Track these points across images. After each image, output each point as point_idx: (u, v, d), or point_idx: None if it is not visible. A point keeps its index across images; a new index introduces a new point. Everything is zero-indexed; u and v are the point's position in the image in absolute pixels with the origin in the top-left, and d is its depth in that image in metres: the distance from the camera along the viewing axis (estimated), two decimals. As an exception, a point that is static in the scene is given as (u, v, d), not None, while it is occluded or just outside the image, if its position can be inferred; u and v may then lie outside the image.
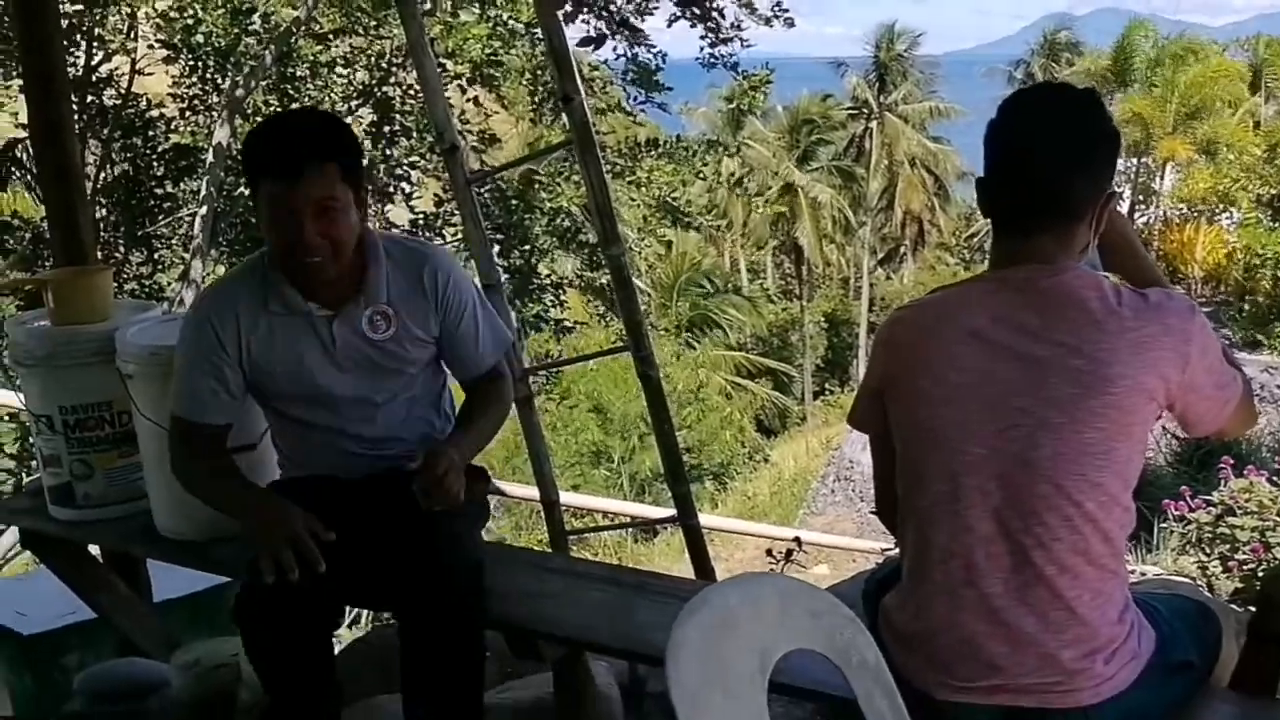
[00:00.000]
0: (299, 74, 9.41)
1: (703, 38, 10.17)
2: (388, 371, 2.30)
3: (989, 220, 1.76)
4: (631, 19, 8.85)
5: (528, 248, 11.22)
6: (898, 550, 1.85)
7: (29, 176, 9.72)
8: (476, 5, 9.17)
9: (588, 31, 9.34)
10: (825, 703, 1.96)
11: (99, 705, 2.87)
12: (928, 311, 1.77)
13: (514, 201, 11.16)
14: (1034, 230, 1.66)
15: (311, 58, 9.33)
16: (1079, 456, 1.59)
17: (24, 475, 7.63)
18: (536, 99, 11.83)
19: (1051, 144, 1.66)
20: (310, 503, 2.13)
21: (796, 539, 5.84)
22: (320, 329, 2.23)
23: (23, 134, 9.54)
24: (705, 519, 5.02)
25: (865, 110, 36.59)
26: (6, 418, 7.74)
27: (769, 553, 5.96)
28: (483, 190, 10.10)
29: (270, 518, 2.08)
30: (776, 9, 10.00)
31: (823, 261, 35.66)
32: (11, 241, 9.37)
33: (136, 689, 2.88)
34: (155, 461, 2.60)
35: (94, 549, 3.15)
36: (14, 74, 9.16)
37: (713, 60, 10.43)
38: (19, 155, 9.56)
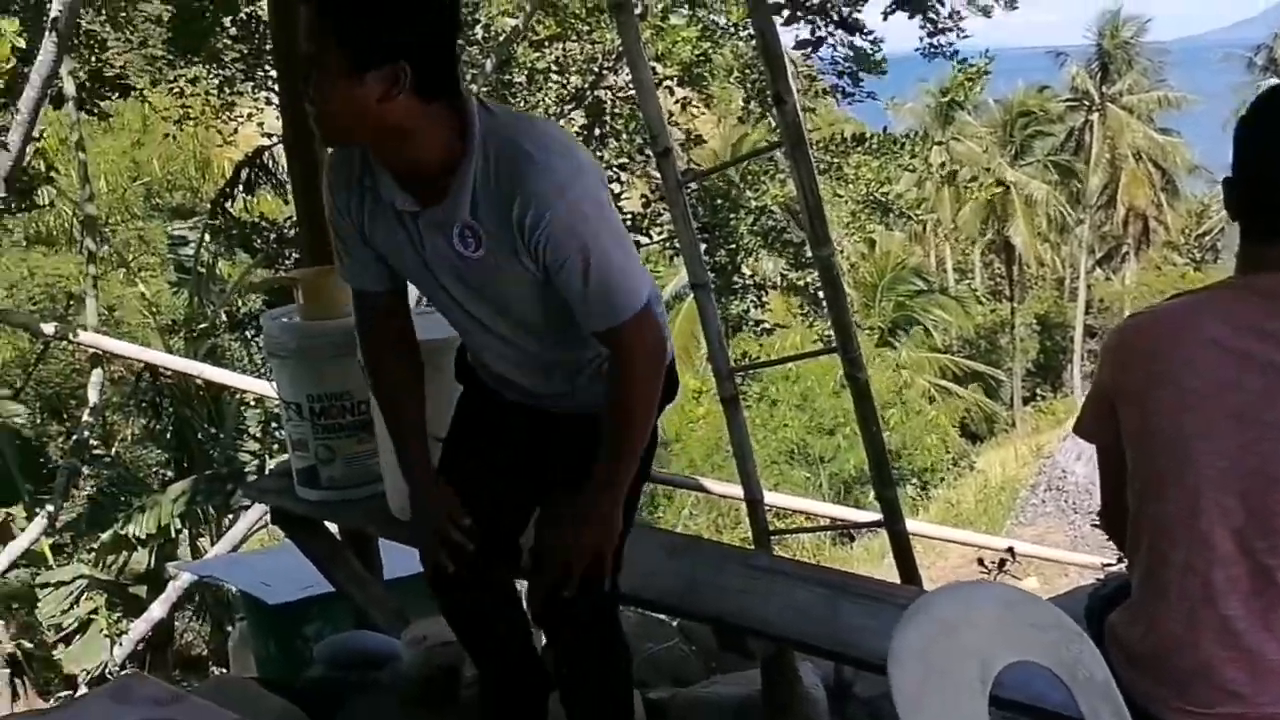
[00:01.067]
0: (516, 79, 9.80)
1: (921, 27, 9.94)
2: (491, 295, 1.89)
3: (1235, 221, 1.68)
4: (847, 18, 8.74)
5: (733, 246, 11.28)
6: (1124, 566, 1.79)
7: (274, 182, 10.52)
8: (686, 7, 9.30)
9: (796, 30, 9.29)
10: (1046, 718, 1.91)
11: (336, 672, 3.09)
12: (1165, 318, 1.70)
13: (719, 201, 11.24)
14: None
15: (529, 64, 9.70)
16: None
17: (266, 457, 8.27)
18: (744, 97, 11.88)
19: None
20: (472, 445, 2.15)
21: (1010, 549, 5.66)
22: (408, 225, 1.84)
23: (267, 142, 10.35)
24: (911, 524, 4.93)
25: (1086, 102, 34.74)
26: (252, 402, 8.41)
27: (980, 562, 5.79)
28: (691, 191, 10.23)
29: (420, 518, 2.07)
30: None
31: (1036, 261, 34.12)
32: (259, 241, 10.15)
33: (370, 660, 3.10)
34: (387, 448, 2.79)
35: (333, 527, 3.39)
36: (262, 87, 9.95)
37: (932, 50, 10.16)
38: (264, 162, 10.35)
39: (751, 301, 12.51)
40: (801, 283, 13.53)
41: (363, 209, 1.88)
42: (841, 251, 21.62)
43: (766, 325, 13.32)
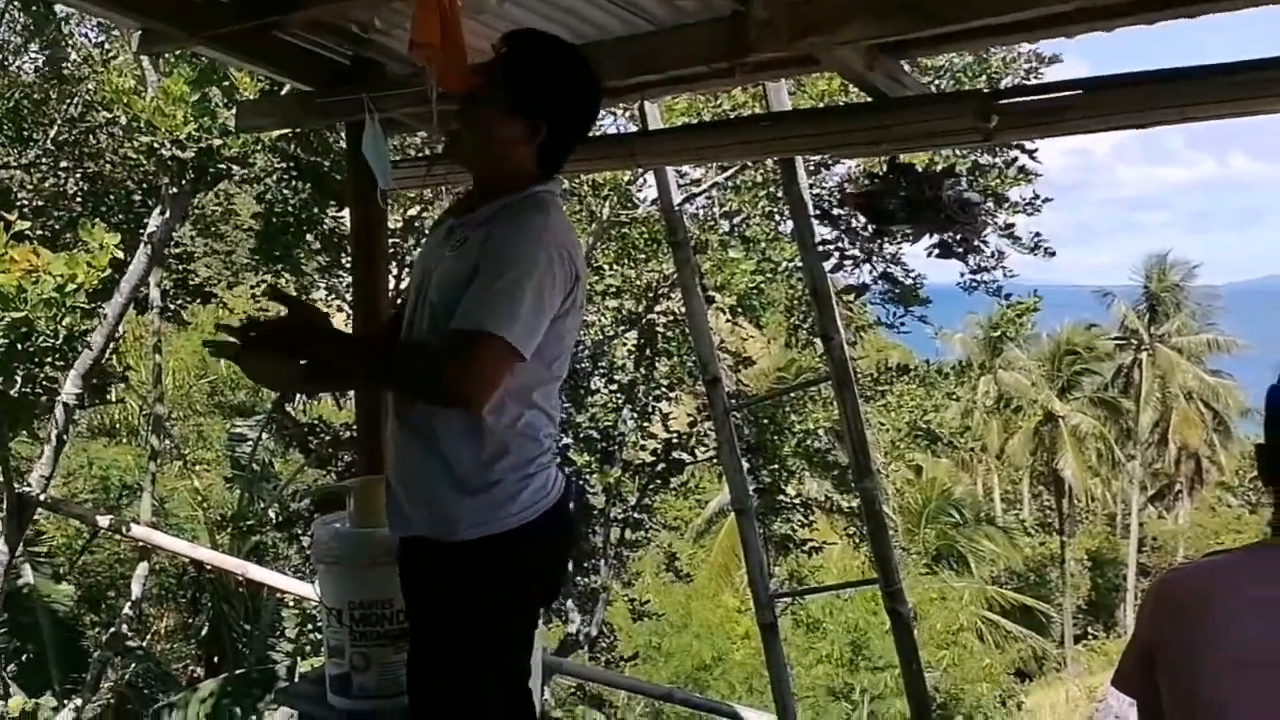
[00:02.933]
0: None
1: (964, 263, 10.28)
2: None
3: (1268, 487, 1.73)
4: (891, 265, 9.16)
5: (775, 467, 11.36)
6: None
7: (334, 386, 10.86)
8: (740, 243, 9.78)
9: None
10: None
11: None
12: (1208, 573, 1.72)
13: (766, 421, 11.41)
14: None
15: (589, 287, 10.16)
16: None
17: (299, 659, 8.20)
18: (791, 324, 12.23)
19: None
20: None
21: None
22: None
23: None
24: (954, 770, 4.75)
25: (1134, 341, 35.06)
26: (291, 603, 8.42)
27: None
28: (737, 413, 10.41)
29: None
30: (1038, 238, 10.03)
31: (1086, 495, 33.61)
32: (314, 442, 10.41)
33: None
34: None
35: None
36: (336, 294, 10.43)
37: (974, 285, 10.48)
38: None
39: (799, 522, 12.46)
40: (846, 505, 13.48)
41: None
42: (888, 477, 21.51)
43: (815, 544, 13.20)
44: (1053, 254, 10.10)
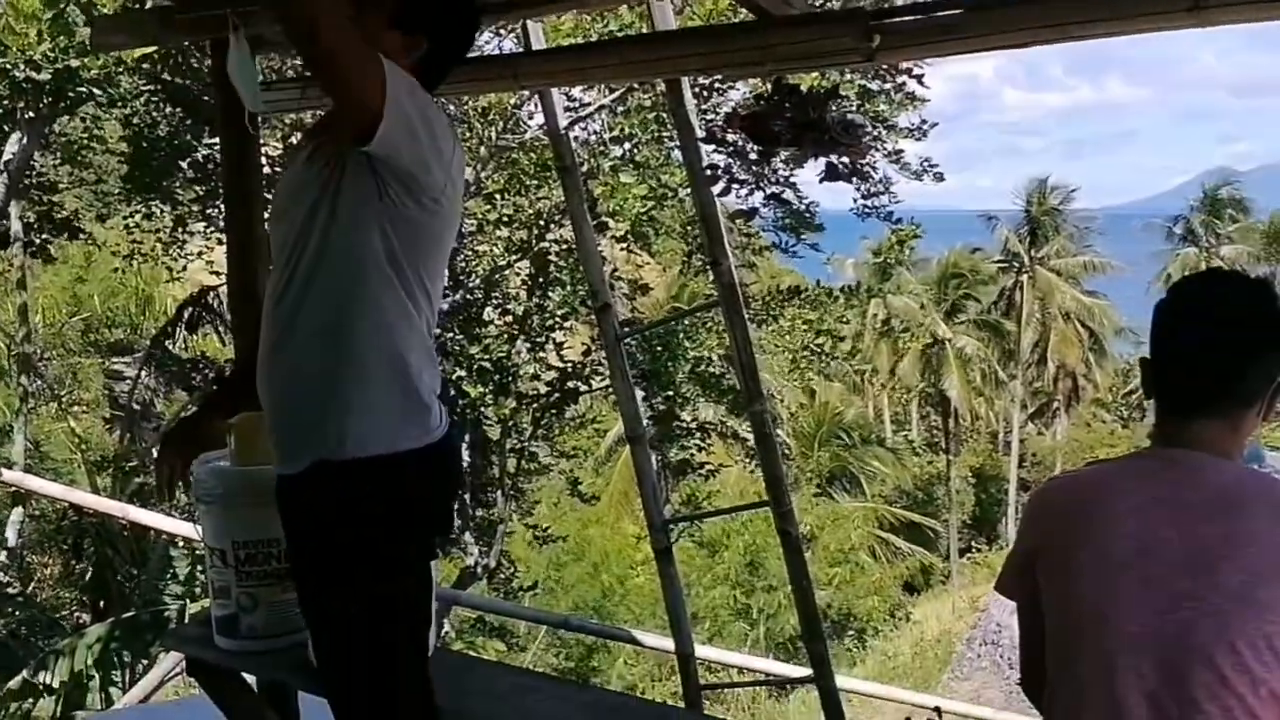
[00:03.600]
0: (467, 230, 10.05)
1: (856, 189, 10.41)
2: (292, 204, 2.09)
3: (1149, 399, 1.77)
4: (783, 188, 9.17)
5: (670, 394, 11.43)
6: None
7: (218, 322, 10.54)
8: (632, 168, 9.68)
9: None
10: None
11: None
12: (1086, 483, 1.78)
13: (659, 349, 11.45)
14: (1202, 416, 1.67)
15: (480, 215, 9.98)
16: (1246, 647, 1.55)
17: (188, 601, 8.03)
18: (686, 251, 12.25)
19: (1223, 334, 1.67)
20: None
21: (936, 709, 5.63)
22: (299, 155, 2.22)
23: (216, 281, 10.41)
24: (842, 680, 4.91)
25: (1016, 264, 36.20)
26: (180, 544, 8.22)
27: (908, 720, 5.75)
28: (630, 342, 10.43)
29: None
30: (926, 164, 10.17)
31: (971, 414, 34.86)
32: (198, 379, 10.10)
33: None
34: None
35: (250, 679, 3.29)
36: (215, 226, 10.07)
37: (866, 211, 10.61)
38: (210, 301, 10.38)
39: (695, 446, 12.60)
40: (741, 430, 13.70)
41: None
42: (781, 400, 21.90)
43: (711, 467, 13.39)
44: (941, 178, 10.26)
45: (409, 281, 2.01)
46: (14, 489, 7.80)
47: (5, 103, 7.21)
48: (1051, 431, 36.56)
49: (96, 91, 6.62)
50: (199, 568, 8.64)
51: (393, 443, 2.02)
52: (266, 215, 2.19)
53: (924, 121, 9.77)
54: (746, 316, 4.14)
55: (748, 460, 17.25)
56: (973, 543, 32.81)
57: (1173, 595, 1.59)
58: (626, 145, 10.03)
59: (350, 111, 1.88)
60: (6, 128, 7.44)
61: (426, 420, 2.08)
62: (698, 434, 12.41)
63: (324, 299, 1.98)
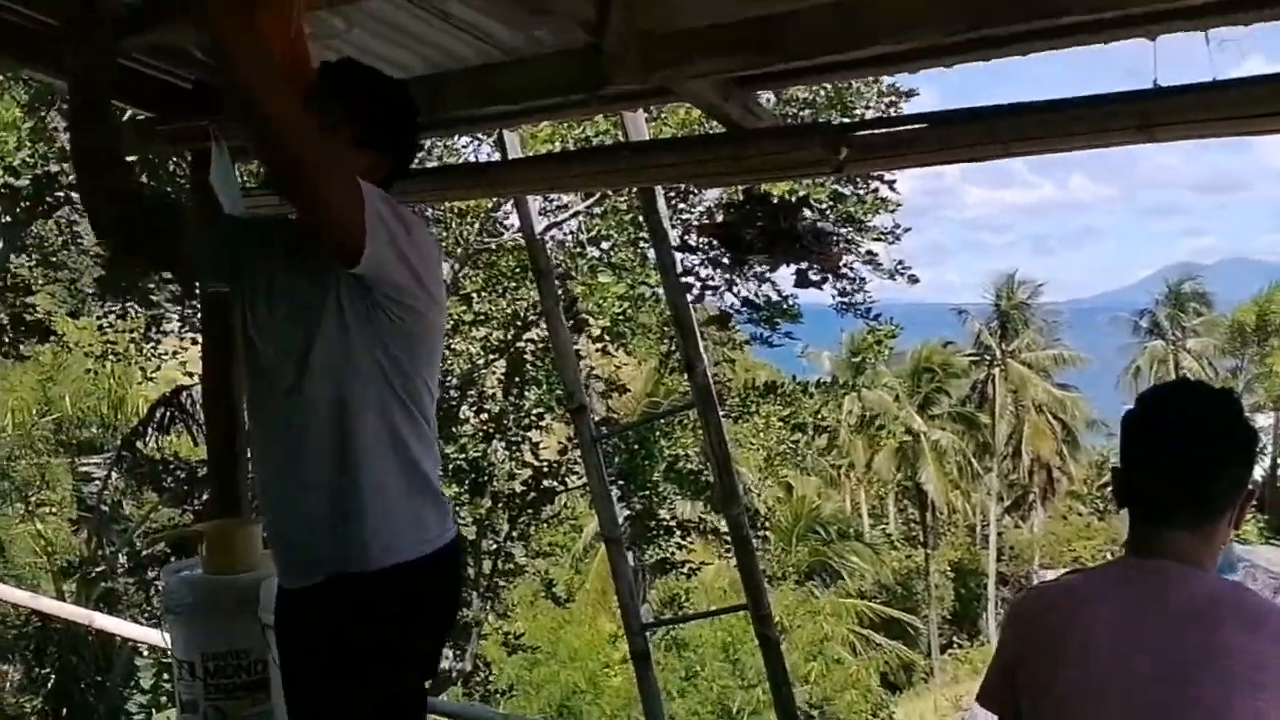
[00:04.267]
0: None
1: (833, 287, 10.60)
2: (281, 302, 2.09)
3: (1122, 508, 1.79)
4: (759, 284, 9.36)
5: (647, 492, 11.39)
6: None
7: (191, 422, 10.45)
8: (609, 269, 9.81)
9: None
10: None
11: None
12: (1062, 594, 1.78)
13: (636, 447, 11.44)
14: (1174, 526, 1.69)
15: (455, 316, 10.03)
16: None
17: (154, 711, 7.83)
18: (662, 350, 12.34)
19: (1193, 445, 1.70)
20: None
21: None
22: (278, 261, 2.19)
23: (189, 381, 10.35)
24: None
25: (988, 357, 36.60)
26: (145, 651, 8.02)
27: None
28: (606, 441, 10.42)
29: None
30: (900, 267, 10.38)
31: (948, 507, 34.82)
32: (168, 480, 9.97)
33: None
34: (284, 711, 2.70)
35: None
36: (191, 325, 10.06)
37: (844, 307, 10.78)
38: (182, 402, 10.30)
39: (675, 544, 12.52)
40: (721, 527, 13.61)
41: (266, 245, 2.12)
42: (758, 495, 21.83)
43: (693, 565, 13.27)
44: (915, 280, 10.46)
45: (412, 386, 2.03)
46: (-24, 596, 7.62)
47: (-17, 208, 7.27)
48: (1028, 524, 36.51)
49: (75, 195, 6.67)
50: (165, 676, 8.44)
51: (413, 549, 2.03)
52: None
53: (896, 225, 10.03)
54: (722, 414, 4.16)
55: (727, 555, 17.10)
56: (954, 639, 32.47)
57: (1149, 708, 1.59)
58: (604, 245, 10.17)
59: (334, 235, 1.88)
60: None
61: (443, 520, 2.11)
62: (676, 532, 12.33)
63: (331, 415, 1.98)
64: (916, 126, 2.72)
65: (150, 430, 10.24)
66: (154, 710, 8.03)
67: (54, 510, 12.88)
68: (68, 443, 14.07)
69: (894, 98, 9.58)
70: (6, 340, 9.15)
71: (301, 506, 2.02)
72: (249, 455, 3.52)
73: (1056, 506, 36.56)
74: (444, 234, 9.86)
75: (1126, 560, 1.75)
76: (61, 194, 6.44)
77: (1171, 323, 37.57)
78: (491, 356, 10.68)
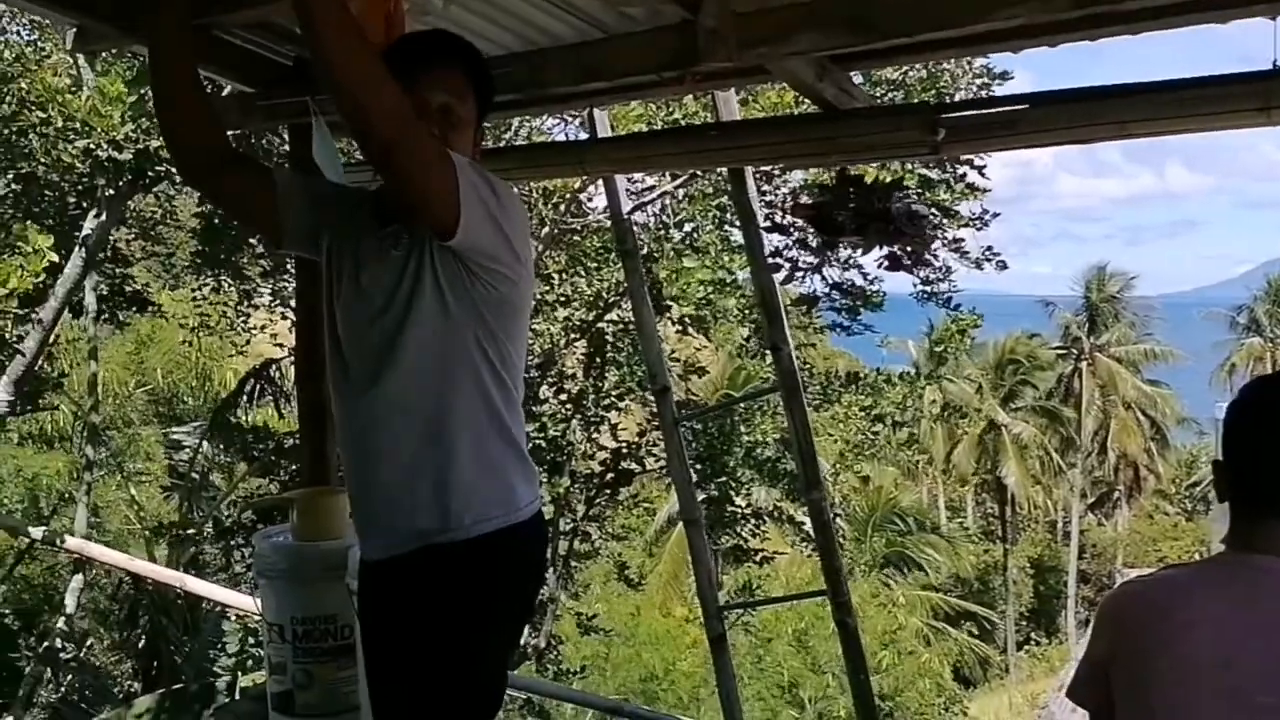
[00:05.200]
0: (527, 309, 10.18)
1: (915, 275, 10.40)
2: (373, 290, 2.06)
3: (1223, 503, 1.74)
4: (844, 271, 9.24)
5: (724, 479, 11.36)
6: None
7: (279, 395, 10.72)
8: (694, 252, 9.79)
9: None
10: None
11: None
12: (1161, 589, 1.72)
13: (715, 433, 11.41)
14: (1278, 519, 1.63)
15: (538, 296, 10.10)
16: None
17: (239, 674, 8.05)
18: (744, 336, 12.28)
19: None
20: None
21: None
22: (365, 236, 2.14)
23: (279, 354, 10.60)
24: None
25: (1075, 350, 35.75)
26: (232, 616, 8.26)
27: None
28: (686, 425, 10.42)
29: None
30: (988, 252, 10.15)
31: (1029, 502, 34.17)
32: (257, 451, 10.24)
33: None
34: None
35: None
36: (280, 299, 10.29)
37: (926, 296, 10.60)
38: (271, 375, 10.56)
39: (749, 532, 12.48)
40: (797, 515, 13.54)
41: (347, 224, 2.11)
42: (835, 484, 21.65)
43: (766, 554, 13.22)
44: (1004, 266, 10.18)
45: (505, 353, 2.03)
46: (75, 556, 7.91)
47: (87, 181, 7.50)
48: (1112, 522, 35.67)
49: (173, 170, 6.86)
50: (250, 640, 8.69)
51: (504, 518, 2.03)
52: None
53: (985, 211, 9.78)
54: (805, 402, 4.12)
55: (801, 545, 17.00)
56: (1031, 635, 31.91)
57: (1253, 710, 1.53)
58: (688, 228, 10.14)
59: (429, 209, 1.88)
60: (86, 205, 7.72)
61: (531, 489, 2.11)
62: (752, 520, 12.29)
63: (425, 385, 1.98)
64: (1019, 107, 2.65)
65: (241, 402, 10.51)
66: (240, 672, 8.27)
67: (146, 477, 13.32)
68: (161, 414, 14.53)
69: (987, 79, 9.36)
70: (105, 309, 9.46)
71: (394, 477, 2.02)
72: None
73: (1142, 505, 35.64)
74: (529, 214, 9.93)
75: (1229, 556, 1.69)
76: (161, 169, 6.61)
77: (1271, 320, 36.26)
78: (573, 336, 10.73)
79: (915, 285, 10.49)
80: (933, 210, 8.39)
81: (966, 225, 9.63)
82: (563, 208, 9.94)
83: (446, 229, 1.87)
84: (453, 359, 1.98)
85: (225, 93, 5.28)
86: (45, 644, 8.74)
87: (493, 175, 2.00)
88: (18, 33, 9.16)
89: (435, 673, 2.03)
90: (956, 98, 8.82)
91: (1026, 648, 30.70)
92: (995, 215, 9.86)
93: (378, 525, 2.08)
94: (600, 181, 5.49)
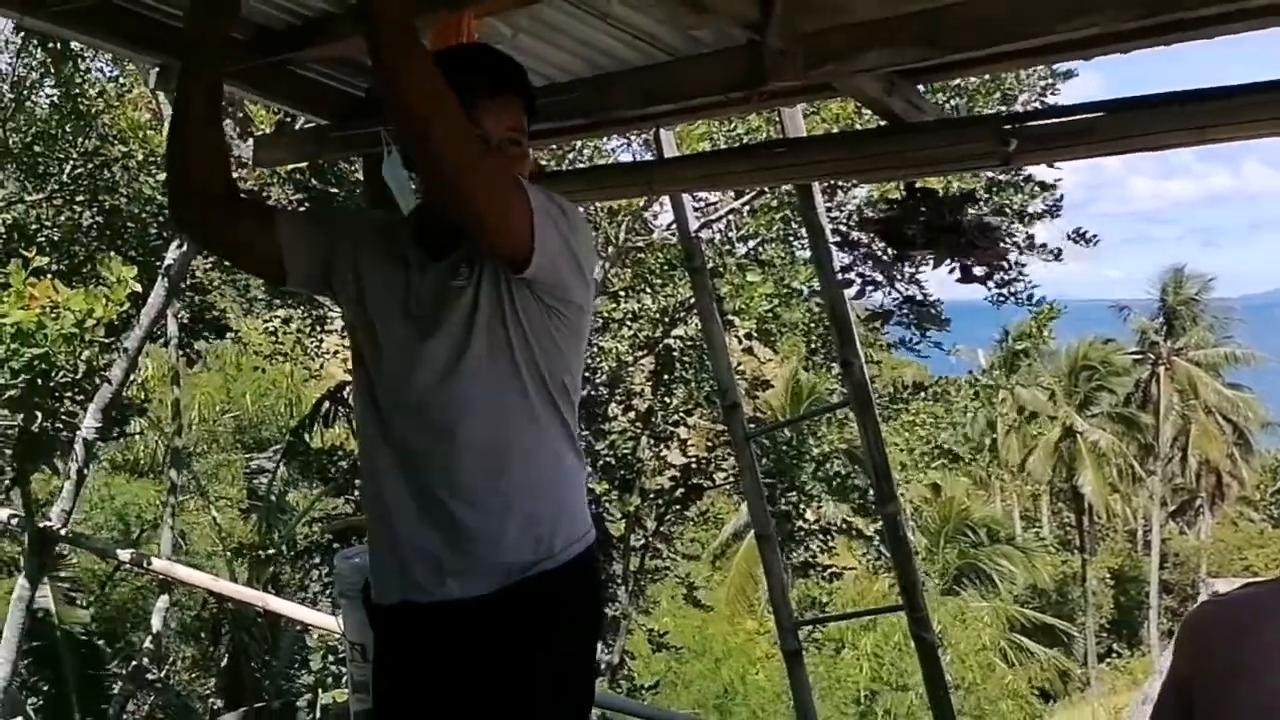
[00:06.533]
0: (593, 327, 10.28)
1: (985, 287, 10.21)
2: (436, 318, 1.99)
3: None
4: (911, 287, 9.12)
5: (794, 494, 11.32)
6: None
7: (350, 415, 10.92)
8: (757, 266, 9.77)
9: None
10: None
11: None
12: (1242, 607, 1.68)
13: (784, 447, 11.38)
14: None
15: (605, 314, 10.17)
16: None
17: (320, 691, 8.19)
18: (808, 350, 12.21)
19: None
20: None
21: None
22: (412, 271, 2.07)
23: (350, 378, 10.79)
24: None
25: (1152, 355, 34.89)
26: (314, 635, 8.40)
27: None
28: (757, 439, 10.39)
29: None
30: (1075, 233, 9.89)
31: (1107, 511, 33.35)
32: (334, 470, 10.43)
33: None
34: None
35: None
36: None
37: (1001, 298, 10.41)
38: (344, 396, 10.76)
39: (818, 547, 12.41)
40: (868, 530, 13.42)
41: (371, 254, 2.06)
42: (905, 495, 21.40)
43: (835, 569, 13.13)
44: (1095, 239, 9.87)
45: (572, 372, 2.03)
46: (161, 577, 8.13)
47: (168, 212, 7.75)
48: (1195, 530, 34.69)
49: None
50: (330, 657, 8.83)
51: (582, 540, 2.02)
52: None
53: (1058, 200, 9.57)
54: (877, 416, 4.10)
55: (872, 560, 16.81)
56: (1112, 647, 31.15)
57: None
58: (751, 243, 10.13)
59: (503, 245, 1.87)
60: (167, 235, 7.97)
61: (586, 508, 2.11)
62: (820, 535, 12.23)
63: (493, 415, 1.95)
64: (1092, 115, 2.62)
65: (316, 424, 10.71)
66: (320, 690, 8.41)
67: (230, 502, 13.64)
68: (245, 441, 14.88)
69: (1052, 79, 9.21)
70: (187, 337, 9.72)
71: (471, 514, 1.96)
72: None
73: (1226, 512, 34.60)
74: (595, 233, 10.01)
75: None
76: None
77: (1357, 318, 35.07)
78: (639, 354, 10.77)
79: (989, 289, 10.29)
80: (1004, 221, 8.28)
81: (1040, 217, 9.43)
82: (626, 224, 10.00)
83: (522, 260, 1.86)
84: (525, 388, 1.96)
85: (300, 124, 5.42)
86: (133, 663, 8.97)
87: (559, 196, 1.99)
88: (100, 69, 9.50)
89: (553, 702, 2.00)
90: (1021, 99, 8.70)
91: (1108, 660, 29.95)
92: (1062, 198, 9.61)
93: (455, 567, 1.97)
94: (665, 198, 5.52)
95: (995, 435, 31.73)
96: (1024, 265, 10.03)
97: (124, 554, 7.34)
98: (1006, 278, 10.06)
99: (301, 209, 8.04)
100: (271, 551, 10.06)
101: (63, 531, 7.06)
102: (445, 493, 1.96)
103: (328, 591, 9.60)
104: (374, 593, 2.10)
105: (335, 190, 8.01)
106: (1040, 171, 9.15)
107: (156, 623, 8.98)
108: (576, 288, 1.98)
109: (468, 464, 1.96)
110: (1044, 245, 9.77)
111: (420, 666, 2.03)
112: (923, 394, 12.75)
